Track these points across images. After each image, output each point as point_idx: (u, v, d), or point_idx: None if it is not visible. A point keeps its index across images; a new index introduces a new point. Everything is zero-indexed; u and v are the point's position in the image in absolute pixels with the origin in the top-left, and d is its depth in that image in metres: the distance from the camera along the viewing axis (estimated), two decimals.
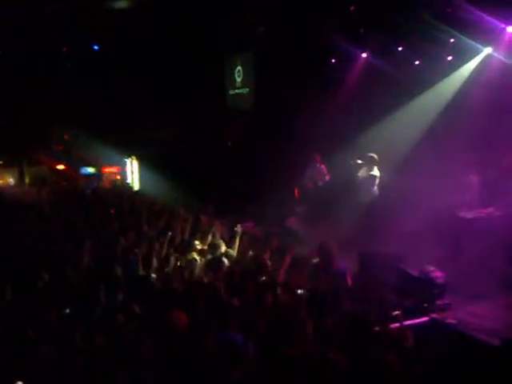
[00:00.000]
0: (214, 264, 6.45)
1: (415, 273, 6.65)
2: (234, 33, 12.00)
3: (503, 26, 8.47)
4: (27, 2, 10.28)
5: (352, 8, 9.86)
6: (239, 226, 7.29)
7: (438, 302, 6.33)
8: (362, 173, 9.72)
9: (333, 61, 11.74)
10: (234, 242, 7.12)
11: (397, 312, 4.89)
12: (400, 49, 10.17)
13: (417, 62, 10.22)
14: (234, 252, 6.95)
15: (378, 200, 9.45)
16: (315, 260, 6.11)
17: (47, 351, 4.24)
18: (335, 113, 11.07)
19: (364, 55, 11.06)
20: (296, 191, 11.51)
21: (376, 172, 9.56)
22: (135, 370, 3.95)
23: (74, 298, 5.47)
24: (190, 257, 6.76)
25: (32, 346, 4.35)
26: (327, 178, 10.97)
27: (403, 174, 9.54)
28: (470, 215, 8.12)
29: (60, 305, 5.23)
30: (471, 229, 7.85)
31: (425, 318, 5.95)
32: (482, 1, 7.95)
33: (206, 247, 7.08)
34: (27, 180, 16.31)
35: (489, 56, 9.24)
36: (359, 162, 9.76)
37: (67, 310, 5.18)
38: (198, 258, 6.73)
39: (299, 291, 5.36)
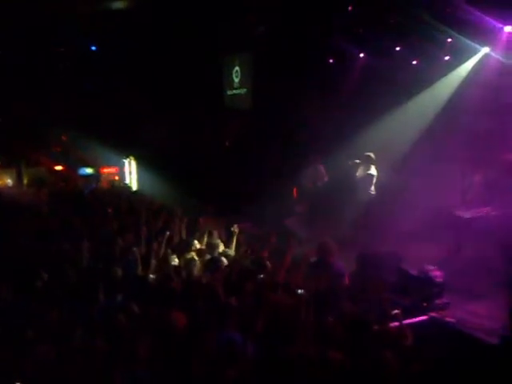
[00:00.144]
0: (212, 264, 6.44)
1: (414, 272, 6.67)
2: (234, 33, 11.98)
3: (501, 25, 8.46)
4: (27, 2, 10.25)
5: (350, 8, 9.85)
6: (236, 225, 7.29)
7: (437, 301, 6.36)
8: (359, 172, 9.74)
9: (330, 61, 11.74)
10: (231, 242, 7.13)
11: (396, 311, 4.88)
12: (398, 49, 10.16)
13: (414, 62, 10.20)
14: (232, 251, 6.95)
15: (376, 199, 9.46)
16: (313, 259, 6.11)
17: (46, 351, 4.23)
18: (333, 113, 11.08)
19: (362, 55, 11.07)
20: (294, 191, 11.51)
21: (373, 171, 9.57)
22: (132, 370, 3.94)
23: (72, 297, 5.47)
24: (188, 257, 6.76)
25: (31, 346, 4.34)
26: (325, 178, 10.99)
27: (401, 173, 9.57)
28: (468, 215, 8.15)
29: (59, 305, 5.22)
30: (469, 228, 7.89)
31: (424, 317, 5.99)
32: (480, 1, 7.96)
33: (204, 247, 7.08)
34: (25, 181, 16.26)
35: (486, 56, 9.25)
36: (357, 161, 9.78)
37: (66, 310, 5.17)
38: (196, 257, 6.73)
39: (299, 291, 5.35)
